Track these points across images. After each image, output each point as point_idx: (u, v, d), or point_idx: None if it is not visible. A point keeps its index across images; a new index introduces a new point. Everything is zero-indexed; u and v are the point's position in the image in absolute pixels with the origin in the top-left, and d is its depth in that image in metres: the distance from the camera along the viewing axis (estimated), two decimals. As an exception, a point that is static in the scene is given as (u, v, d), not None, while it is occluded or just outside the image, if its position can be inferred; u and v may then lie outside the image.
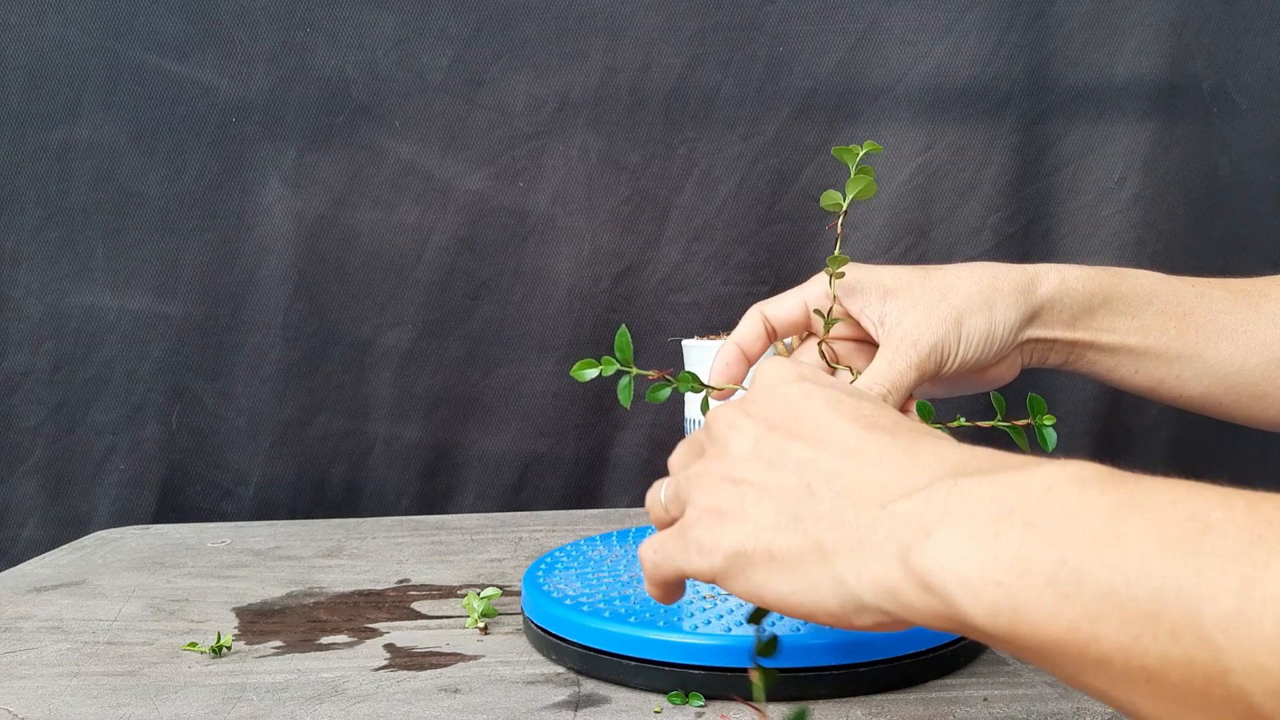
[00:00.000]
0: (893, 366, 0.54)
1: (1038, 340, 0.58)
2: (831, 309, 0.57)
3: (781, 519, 0.38)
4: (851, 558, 0.35)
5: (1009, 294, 0.56)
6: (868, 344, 0.58)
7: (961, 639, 0.57)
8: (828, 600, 0.36)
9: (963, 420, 0.57)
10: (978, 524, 0.32)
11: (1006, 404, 0.58)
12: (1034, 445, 0.58)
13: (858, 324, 0.58)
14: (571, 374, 0.56)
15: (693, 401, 0.68)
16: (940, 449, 0.37)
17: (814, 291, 0.58)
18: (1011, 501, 0.32)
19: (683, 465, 0.47)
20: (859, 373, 0.56)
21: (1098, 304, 0.58)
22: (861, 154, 0.56)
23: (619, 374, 0.55)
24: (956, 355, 0.55)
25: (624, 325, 0.56)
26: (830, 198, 0.56)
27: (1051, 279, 0.57)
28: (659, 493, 0.47)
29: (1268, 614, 0.25)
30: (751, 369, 0.58)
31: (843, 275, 0.56)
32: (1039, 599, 0.30)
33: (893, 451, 0.38)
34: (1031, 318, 0.57)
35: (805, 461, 0.39)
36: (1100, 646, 0.29)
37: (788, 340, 0.63)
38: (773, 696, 0.54)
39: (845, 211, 0.56)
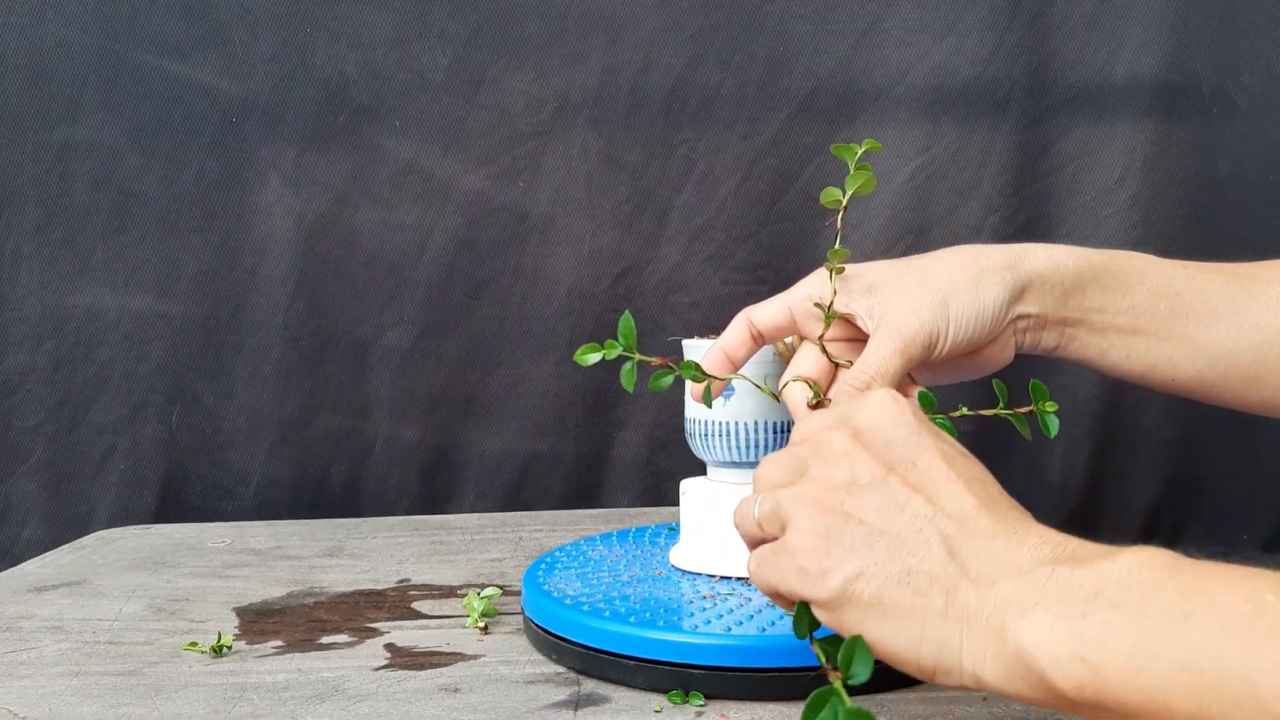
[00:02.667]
0: (877, 354, 0.55)
1: (1029, 317, 0.57)
2: (832, 304, 0.57)
3: (894, 569, 0.40)
4: (960, 626, 0.39)
5: (995, 271, 0.56)
6: (862, 341, 0.58)
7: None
8: (926, 658, 0.39)
9: (965, 409, 0.57)
10: (1068, 606, 0.36)
11: (1009, 392, 0.58)
12: (1036, 431, 0.58)
13: (850, 322, 0.58)
14: (575, 359, 0.56)
15: (693, 401, 0.68)
16: (1043, 534, 0.40)
17: (799, 295, 0.59)
18: (1097, 585, 0.35)
19: (780, 483, 0.46)
20: None
21: (1088, 281, 0.57)
22: (860, 151, 0.56)
23: (622, 359, 0.56)
24: (946, 338, 0.55)
25: (627, 310, 0.56)
26: (830, 194, 0.57)
27: (1040, 255, 0.57)
28: (752, 509, 0.47)
29: None
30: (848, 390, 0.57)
31: (843, 270, 0.57)
32: (1118, 673, 0.33)
33: (1002, 529, 0.40)
34: (1020, 293, 0.56)
35: (922, 516, 0.41)
36: (1174, 714, 0.32)
37: (788, 340, 0.63)
38: (772, 697, 0.54)
39: (845, 208, 0.57)
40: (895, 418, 0.45)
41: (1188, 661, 0.32)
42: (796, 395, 0.57)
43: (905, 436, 0.44)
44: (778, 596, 0.46)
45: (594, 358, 0.56)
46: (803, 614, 0.44)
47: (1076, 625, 0.35)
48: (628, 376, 0.56)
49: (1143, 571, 0.35)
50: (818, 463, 0.45)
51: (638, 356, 0.56)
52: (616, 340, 0.56)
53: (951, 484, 0.42)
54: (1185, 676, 0.32)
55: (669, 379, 0.56)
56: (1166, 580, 0.34)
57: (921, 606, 0.39)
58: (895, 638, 0.40)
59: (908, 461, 0.43)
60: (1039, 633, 0.36)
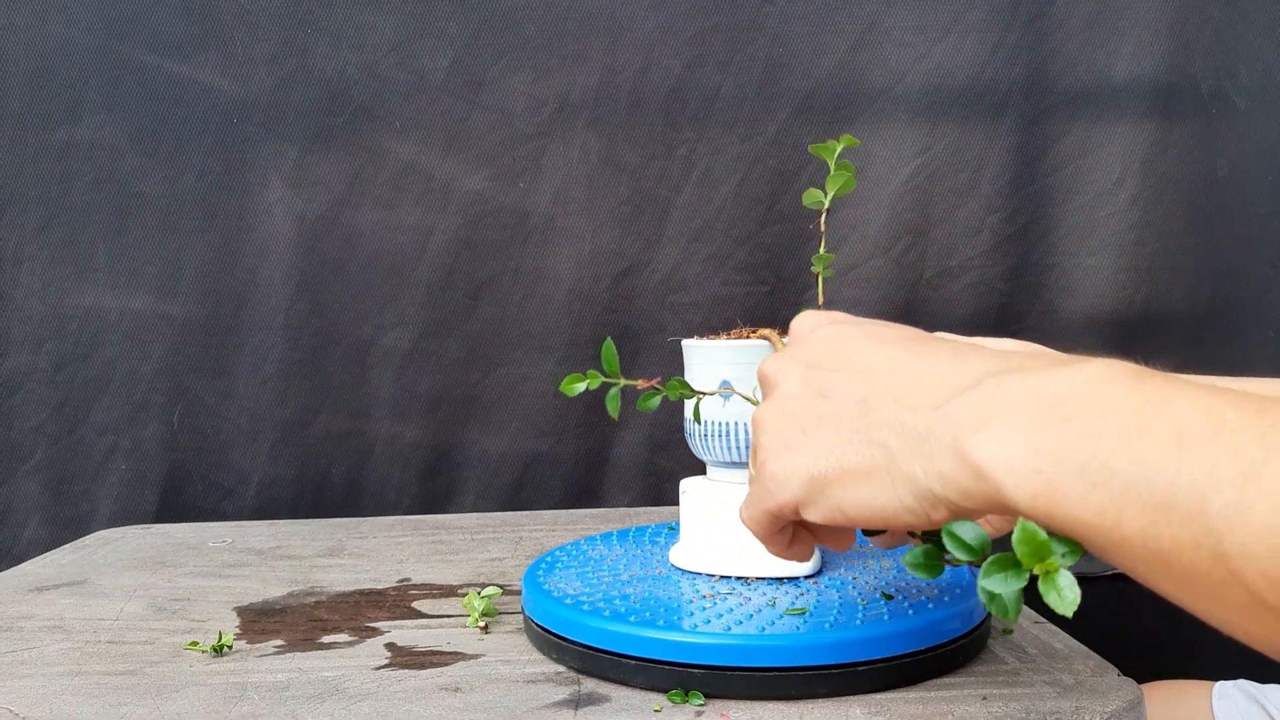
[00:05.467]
0: None
1: None
2: (820, 306, 0.57)
3: (843, 437, 0.41)
4: (917, 457, 0.38)
5: None
6: None
7: (960, 638, 0.58)
8: (906, 498, 0.39)
9: None
10: (1023, 416, 0.35)
11: None
12: None
13: None
14: (560, 389, 0.56)
15: (692, 401, 0.69)
16: (985, 353, 0.40)
17: None
18: (1053, 396, 0.35)
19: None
20: None
21: None
22: (839, 149, 0.56)
23: (606, 385, 0.56)
24: None
25: (609, 338, 0.56)
26: (812, 196, 0.57)
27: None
28: (750, 465, 0.50)
29: (1260, 505, 0.29)
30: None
31: (830, 273, 0.57)
32: (1072, 487, 0.33)
33: (938, 357, 0.41)
34: None
35: (854, 385, 0.42)
36: (1123, 530, 0.32)
37: (786, 339, 0.63)
38: (772, 696, 0.54)
39: (827, 209, 0.57)
40: (813, 324, 0.47)
41: (1140, 478, 0.31)
42: None
43: (825, 334, 0.46)
44: (780, 539, 0.47)
45: (579, 387, 0.56)
46: (923, 554, 0.43)
47: (1032, 437, 0.34)
48: (613, 403, 0.56)
49: (1102, 385, 0.34)
50: (765, 389, 0.47)
51: (622, 382, 0.56)
52: (603, 366, 0.56)
53: (876, 349, 0.43)
54: (1137, 493, 0.31)
55: (656, 400, 0.57)
56: (1127, 394, 0.34)
57: (879, 455, 0.40)
58: (873, 494, 0.40)
59: (831, 351, 0.44)
60: (995, 445, 0.35)
